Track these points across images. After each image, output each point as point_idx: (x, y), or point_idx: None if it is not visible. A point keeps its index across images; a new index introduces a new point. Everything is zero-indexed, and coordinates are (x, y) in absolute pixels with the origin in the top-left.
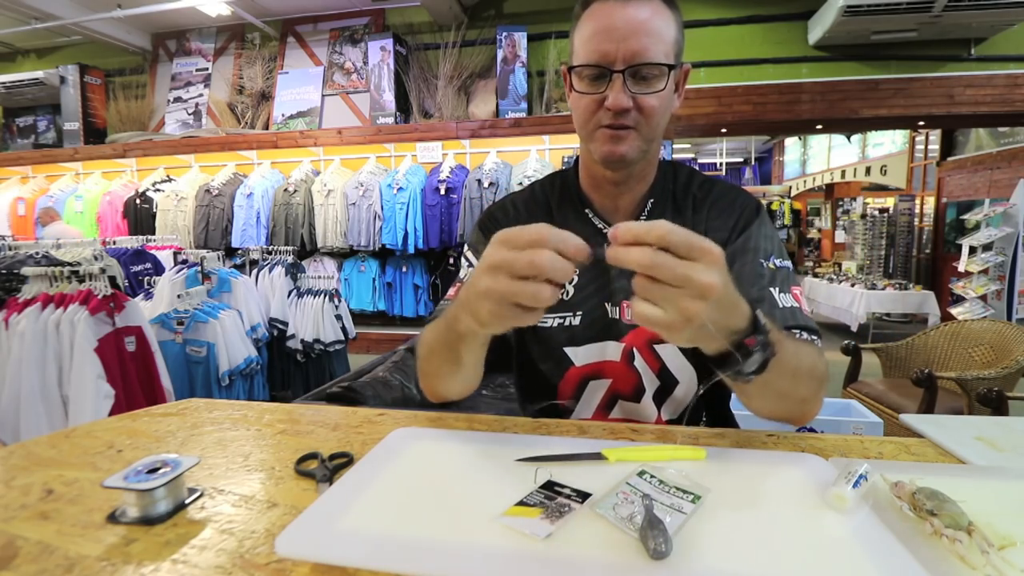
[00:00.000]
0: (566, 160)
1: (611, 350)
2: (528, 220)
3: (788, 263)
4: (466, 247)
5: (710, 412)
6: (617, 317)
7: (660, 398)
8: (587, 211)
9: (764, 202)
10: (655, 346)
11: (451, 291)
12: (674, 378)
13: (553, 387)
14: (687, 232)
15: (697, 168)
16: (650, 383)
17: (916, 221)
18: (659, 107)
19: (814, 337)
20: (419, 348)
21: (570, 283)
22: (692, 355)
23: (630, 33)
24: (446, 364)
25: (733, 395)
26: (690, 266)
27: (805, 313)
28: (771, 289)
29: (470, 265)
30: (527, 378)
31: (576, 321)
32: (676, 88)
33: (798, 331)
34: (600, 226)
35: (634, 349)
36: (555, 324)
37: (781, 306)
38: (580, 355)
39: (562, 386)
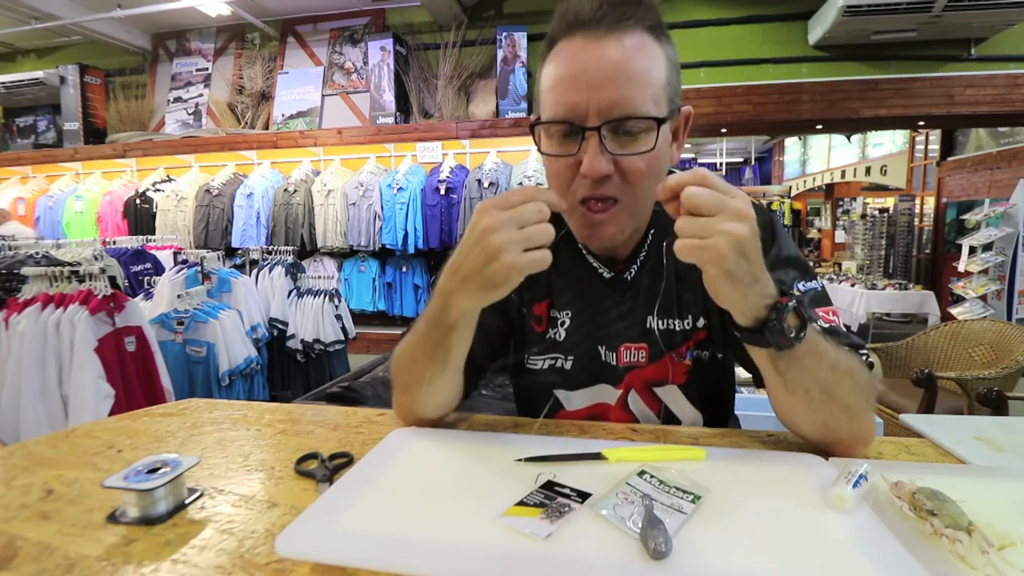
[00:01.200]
0: None
1: (606, 394)
2: None
3: (815, 284)
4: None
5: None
6: (614, 363)
7: None
8: (581, 247)
9: (764, 202)
10: (655, 388)
11: None
12: (676, 419)
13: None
14: (717, 176)
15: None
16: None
17: (916, 221)
18: (648, 170)
19: (863, 353)
20: (396, 363)
21: (562, 326)
22: (696, 395)
23: (605, 79)
24: (430, 368)
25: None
26: (725, 196)
27: (843, 330)
28: None
29: None
30: (523, 404)
31: (568, 365)
32: (675, 138)
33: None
34: (597, 267)
35: (632, 392)
36: (545, 365)
37: (818, 330)
38: (572, 400)
39: None
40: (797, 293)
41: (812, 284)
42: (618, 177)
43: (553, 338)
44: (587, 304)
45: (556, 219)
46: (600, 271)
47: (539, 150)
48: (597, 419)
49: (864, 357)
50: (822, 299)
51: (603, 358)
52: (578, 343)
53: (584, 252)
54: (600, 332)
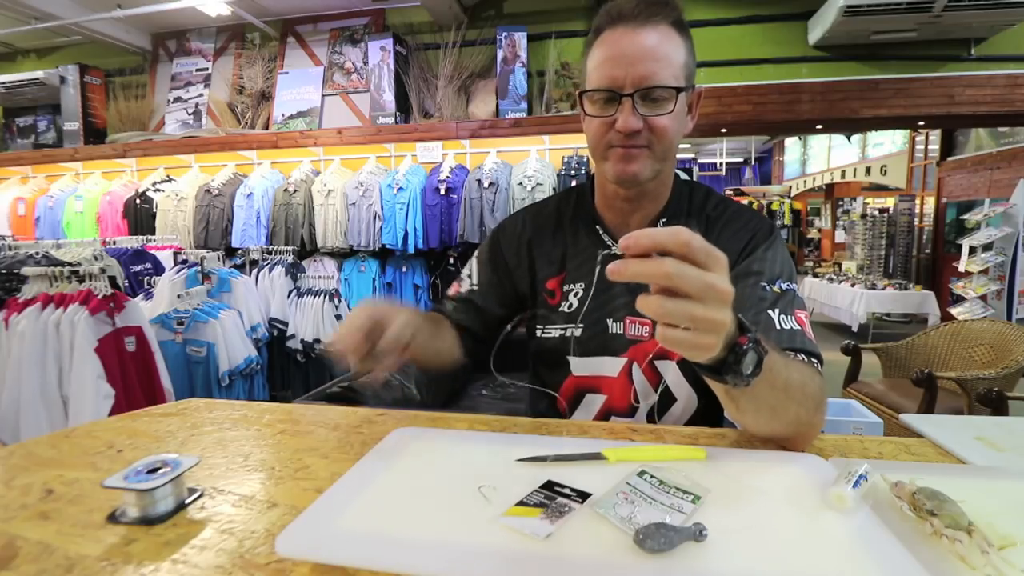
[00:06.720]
0: (566, 160)
1: (609, 365)
2: (533, 234)
3: (795, 286)
4: (476, 252)
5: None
6: (620, 332)
7: (657, 416)
8: (597, 227)
9: (764, 202)
10: (656, 362)
11: (451, 290)
12: (672, 396)
13: (555, 394)
14: (703, 240)
15: (699, 171)
16: (647, 399)
17: (916, 221)
18: (671, 127)
19: (814, 360)
20: None
21: (575, 297)
22: (692, 375)
23: (638, 59)
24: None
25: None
26: (711, 275)
27: (808, 337)
28: (769, 312)
29: (469, 274)
30: (533, 376)
31: (578, 333)
32: (689, 110)
33: (795, 353)
34: (608, 242)
35: (634, 364)
36: (557, 335)
37: (779, 328)
38: (579, 365)
39: (561, 393)
40: (752, 332)
41: (792, 286)
42: (647, 132)
43: (565, 310)
44: (598, 278)
45: (577, 201)
46: (613, 248)
47: (584, 113)
48: (601, 387)
49: (816, 365)
50: (798, 302)
51: (611, 329)
52: (588, 313)
53: (600, 231)
54: (609, 304)
